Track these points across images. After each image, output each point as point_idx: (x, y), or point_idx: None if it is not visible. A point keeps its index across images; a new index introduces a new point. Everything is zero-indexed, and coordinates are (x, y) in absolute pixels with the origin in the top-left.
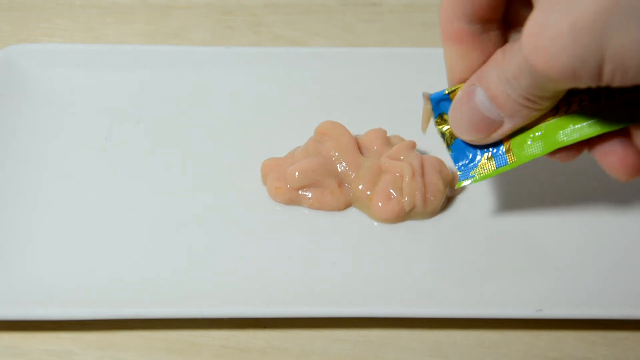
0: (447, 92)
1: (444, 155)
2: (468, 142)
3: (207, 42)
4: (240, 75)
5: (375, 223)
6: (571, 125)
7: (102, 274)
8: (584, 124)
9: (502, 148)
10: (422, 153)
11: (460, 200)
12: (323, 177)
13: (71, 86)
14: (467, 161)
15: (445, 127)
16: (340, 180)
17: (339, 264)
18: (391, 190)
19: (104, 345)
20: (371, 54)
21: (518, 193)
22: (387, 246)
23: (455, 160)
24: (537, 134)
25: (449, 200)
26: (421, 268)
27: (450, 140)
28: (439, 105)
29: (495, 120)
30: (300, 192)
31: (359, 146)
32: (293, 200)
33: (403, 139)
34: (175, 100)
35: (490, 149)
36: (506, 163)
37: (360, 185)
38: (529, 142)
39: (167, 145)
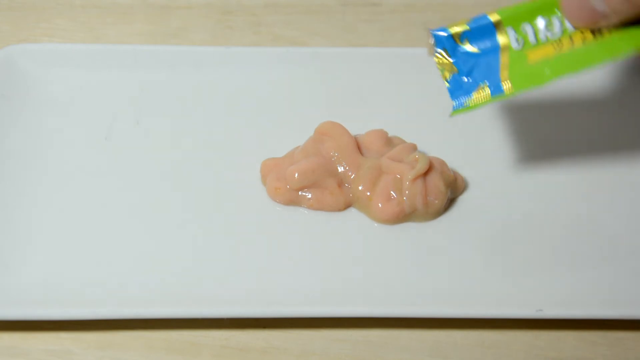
0: (450, 30)
1: (445, 155)
2: (576, 27)
3: (207, 42)
4: (240, 75)
5: (375, 224)
6: (575, 57)
7: (102, 274)
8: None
9: (500, 79)
10: (422, 153)
11: (461, 201)
12: (323, 177)
13: (71, 86)
14: (462, 92)
15: (445, 61)
16: (340, 181)
17: (339, 264)
18: (391, 192)
19: (104, 345)
20: (371, 54)
21: (518, 194)
22: (387, 246)
23: (452, 92)
24: (539, 66)
25: (450, 202)
26: (421, 268)
27: (449, 75)
28: (441, 41)
29: (602, 12)
30: (300, 192)
31: (359, 146)
32: (293, 200)
33: (404, 140)
34: (175, 100)
35: (487, 80)
36: (502, 92)
37: (360, 185)
38: (529, 74)
39: (167, 145)
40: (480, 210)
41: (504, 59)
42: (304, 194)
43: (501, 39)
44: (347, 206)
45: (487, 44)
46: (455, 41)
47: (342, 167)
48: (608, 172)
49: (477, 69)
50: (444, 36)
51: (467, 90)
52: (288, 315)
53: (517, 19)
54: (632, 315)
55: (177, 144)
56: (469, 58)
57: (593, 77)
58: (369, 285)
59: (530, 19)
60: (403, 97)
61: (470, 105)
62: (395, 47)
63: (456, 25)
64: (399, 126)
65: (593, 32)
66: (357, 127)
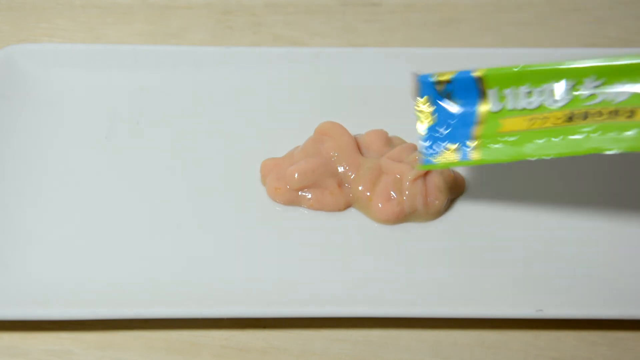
0: (434, 78)
1: None
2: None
3: (207, 42)
4: (240, 75)
5: (375, 224)
6: (542, 140)
7: (102, 274)
8: (557, 142)
9: (471, 144)
10: None
11: (462, 202)
12: (323, 177)
13: (71, 86)
14: (433, 148)
15: (425, 109)
16: (340, 181)
17: (339, 265)
18: (391, 192)
19: (104, 345)
20: (371, 54)
21: (518, 194)
22: (387, 247)
23: (424, 145)
24: (509, 139)
25: (450, 202)
26: (421, 268)
27: (426, 124)
28: (424, 88)
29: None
30: (300, 192)
31: (359, 146)
32: (293, 200)
33: (404, 140)
34: (175, 100)
35: (459, 142)
36: (468, 159)
37: (360, 185)
38: (498, 146)
39: (167, 145)
40: (480, 210)
41: (478, 120)
42: (304, 194)
43: (481, 100)
44: (347, 206)
45: (467, 102)
46: (437, 91)
47: (342, 167)
48: (608, 172)
49: (452, 128)
50: (428, 83)
51: (437, 149)
52: (288, 315)
53: (501, 79)
54: (632, 315)
55: (177, 144)
56: (446, 114)
57: None
58: (369, 285)
59: (515, 83)
60: (403, 97)
61: (438, 164)
62: (395, 47)
63: (441, 75)
64: (399, 126)
65: (570, 117)
66: (357, 127)
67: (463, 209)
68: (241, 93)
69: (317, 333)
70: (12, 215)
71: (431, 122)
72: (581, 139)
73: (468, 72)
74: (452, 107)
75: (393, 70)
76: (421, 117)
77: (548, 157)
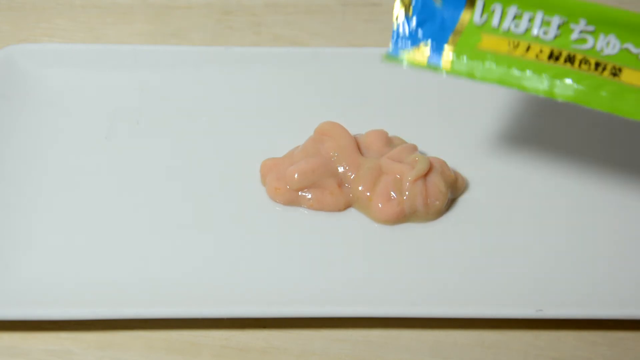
0: None
1: (445, 155)
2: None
3: (207, 42)
4: (240, 75)
5: (375, 224)
6: (519, 72)
7: (102, 274)
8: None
9: (445, 49)
10: (422, 154)
11: (462, 201)
12: (323, 177)
13: (71, 86)
14: (403, 41)
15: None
16: (340, 181)
17: (339, 265)
18: (391, 192)
19: (104, 345)
20: (371, 54)
21: (519, 194)
22: (387, 247)
23: (395, 36)
24: (486, 57)
25: (451, 202)
26: (421, 268)
27: (401, 16)
28: None
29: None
30: (299, 192)
31: (359, 147)
32: (292, 200)
33: (404, 140)
34: (175, 100)
35: (433, 43)
36: (439, 64)
37: (360, 186)
38: (473, 62)
39: (166, 145)
40: (480, 210)
41: (459, 27)
42: (304, 194)
43: (467, 7)
44: (347, 206)
45: (451, 3)
46: None
47: (342, 167)
48: (609, 172)
49: (430, 23)
50: None
51: (409, 42)
52: (288, 315)
53: None
54: (632, 315)
55: (177, 144)
56: (427, 8)
57: None
58: (369, 285)
59: (505, 1)
60: (403, 97)
61: (405, 60)
62: None
63: None
64: (399, 126)
65: (553, 54)
66: (357, 127)
67: (463, 209)
68: (241, 93)
69: (317, 333)
70: (12, 215)
71: (409, 13)
72: (561, 85)
73: None
74: (433, 5)
75: (393, 70)
76: (399, 4)
77: (523, 91)
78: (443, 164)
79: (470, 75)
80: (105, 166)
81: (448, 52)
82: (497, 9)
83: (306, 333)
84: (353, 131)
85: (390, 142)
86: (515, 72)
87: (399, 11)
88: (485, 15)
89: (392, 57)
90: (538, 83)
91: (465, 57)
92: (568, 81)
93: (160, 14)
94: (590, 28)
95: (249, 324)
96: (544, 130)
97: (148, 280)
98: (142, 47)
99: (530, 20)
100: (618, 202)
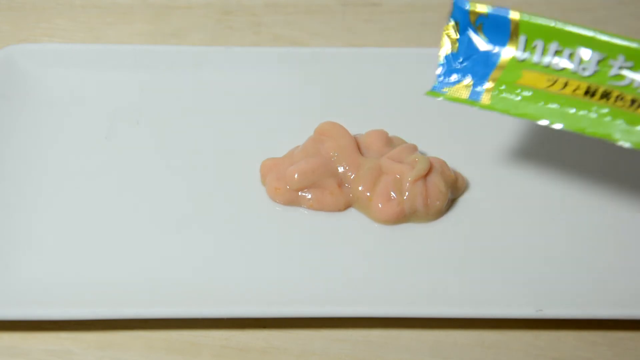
0: (469, 7)
1: (445, 155)
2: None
3: (207, 42)
4: (240, 75)
5: (375, 224)
6: (555, 106)
7: (102, 274)
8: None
9: (486, 85)
10: (422, 154)
11: (462, 202)
12: (323, 177)
13: (71, 86)
14: (448, 77)
15: (452, 35)
16: (340, 181)
17: (339, 265)
18: (391, 192)
19: (104, 345)
20: (371, 54)
21: (519, 195)
22: (387, 247)
23: (440, 72)
24: (525, 93)
25: (451, 202)
26: (421, 268)
27: (447, 51)
28: (457, 13)
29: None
30: (299, 192)
31: (359, 147)
32: (292, 200)
33: (404, 140)
34: (175, 100)
35: (475, 80)
36: (478, 100)
37: (360, 186)
38: (511, 97)
39: (166, 145)
40: (480, 210)
41: (501, 63)
42: (303, 194)
43: (510, 44)
44: (347, 206)
45: (494, 41)
46: (469, 21)
47: (342, 168)
48: (609, 172)
49: (473, 59)
50: (463, 10)
51: (453, 78)
52: (288, 315)
53: (535, 29)
54: (632, 315)
55: (176, 144)
56: (471, 46)
57: None
58: (369, 285)
59: (547, 38)
60: (403, 97)
61: (447, 96)
62: (395, 47)
63: (478, 6)
64: (399, 126)
65: (589, 90)
66: (357, 127)
67: (464, 209)
68: (241, 93)
69: (317, 333)
70: (12, 215)
71: (453, 50)
72: (594, 119)
73: (506, 10)
74: (479, 41)
75: (393, 70)
76: (444, 42)
77: (554, 127)
78: (443, 164)
79: (506, 112)
80: (105, 166)
81: (488, 89)
82: (539, 45)
83: (306, 333)
84: (353, 131)
85: (390, 142)
86: (551, 107)
87: (446, 46)
88: (527, 52)
89: (436, 92)
90: (574, 121)
91: (504, 94)
92: (603, 118)
93: (160, 14)
94: (629, 64)
95: (249, 324)
96: (544, 131)
97: (148, 280)
98: (142, 47)
99: (571, 56)
100: (618, 202)
